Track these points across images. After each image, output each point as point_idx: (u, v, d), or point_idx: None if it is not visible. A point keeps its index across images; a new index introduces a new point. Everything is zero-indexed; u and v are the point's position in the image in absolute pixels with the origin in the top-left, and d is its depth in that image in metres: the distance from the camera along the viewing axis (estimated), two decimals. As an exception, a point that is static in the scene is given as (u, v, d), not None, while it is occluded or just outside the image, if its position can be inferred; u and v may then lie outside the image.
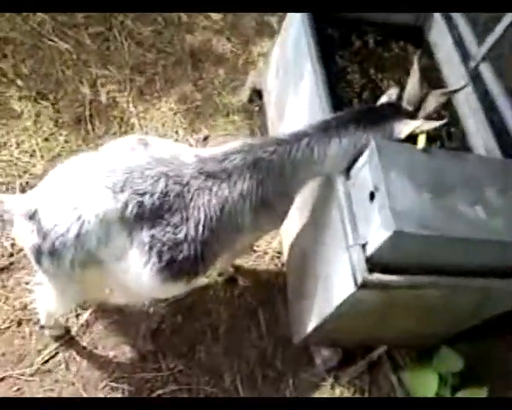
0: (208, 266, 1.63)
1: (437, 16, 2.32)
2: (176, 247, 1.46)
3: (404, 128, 1.63)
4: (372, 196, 1.56)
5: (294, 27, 2.22)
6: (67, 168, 1.50)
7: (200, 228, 1.48)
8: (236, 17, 3.29)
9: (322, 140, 1.61)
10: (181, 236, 1.46)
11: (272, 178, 1.60)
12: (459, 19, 2.36)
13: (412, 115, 1.66)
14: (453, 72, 2.19)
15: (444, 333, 2.10)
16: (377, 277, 1.55)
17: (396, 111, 1.66)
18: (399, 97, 1.70)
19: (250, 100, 2.89)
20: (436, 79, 2.25)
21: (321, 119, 1.69)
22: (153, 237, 1.43)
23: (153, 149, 1.54)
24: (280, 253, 2.40)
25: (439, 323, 2.01)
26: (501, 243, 1.51)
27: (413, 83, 1.66)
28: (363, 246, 1.59)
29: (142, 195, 1.42)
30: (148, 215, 1.43)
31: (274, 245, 2.43)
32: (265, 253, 2.41)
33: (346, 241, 1.63)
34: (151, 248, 1.44)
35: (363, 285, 1.55)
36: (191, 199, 1.48)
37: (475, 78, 2.18)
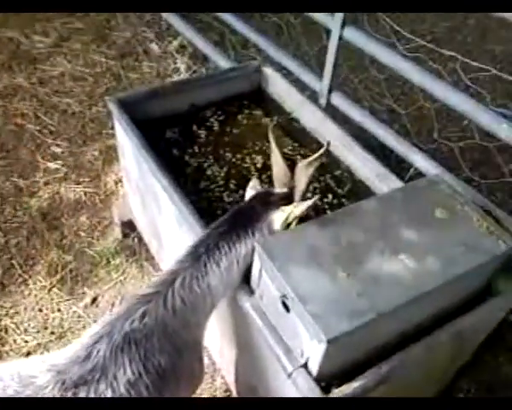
0: None
1: (269, 72, 2.19)
2: None
3: (276, 219, 1.38)
4: (285, 305, 1.26)
5: (128, 151, 1.94)
6: None
7: None
8: (76, 154, 2.97)
9: (197, 273, 1.32)
10: None
11: (157, 343, 1.27)
12: (290, 64, 2.25)
13: (289, 196, 1.41)
14: (310, 116, 2.02)
15: (435, 390, 1.80)
16: (337, 393, 1.22)
17: (266, 201, 1.40)
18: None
19: (125, 235, 2.52)
20: (296, 129, 2.07)
21: (188, 247, 1.38)
22: None
23: None
24: (229, 390, 1.98)
25: (423, 386, 1.72)
26: (446, 283, 1.26)
27: (277, 163, 1.43)
28: (305, 365, 1.26)
29: None
30: None
31: (218, 384, 2.02)
32: (212, 398, 1.99)
33: (283, 368, 1.29)
34: None
35: (327, 414, 1.20)
36: None
37: (333, 111, 2.04)
